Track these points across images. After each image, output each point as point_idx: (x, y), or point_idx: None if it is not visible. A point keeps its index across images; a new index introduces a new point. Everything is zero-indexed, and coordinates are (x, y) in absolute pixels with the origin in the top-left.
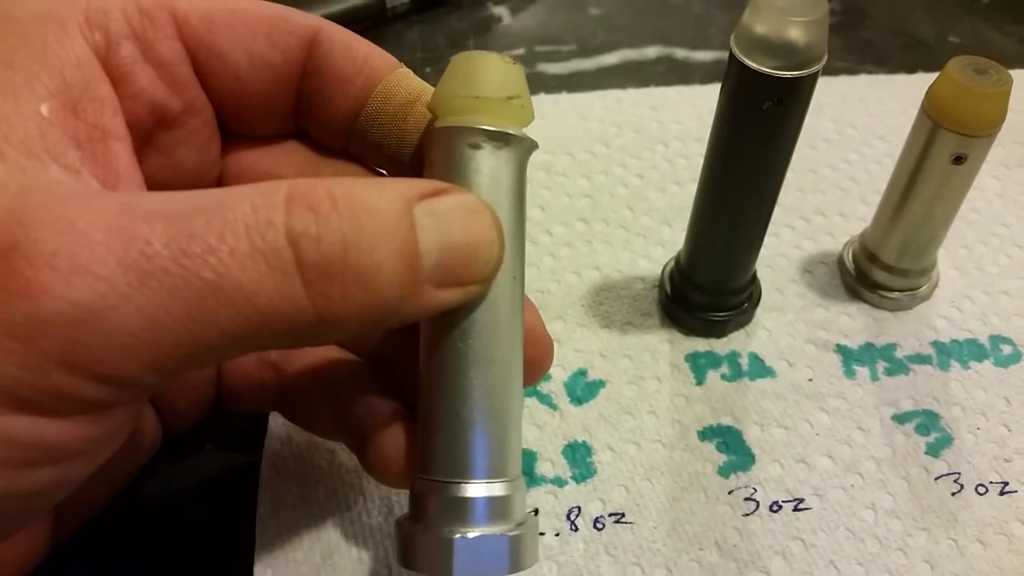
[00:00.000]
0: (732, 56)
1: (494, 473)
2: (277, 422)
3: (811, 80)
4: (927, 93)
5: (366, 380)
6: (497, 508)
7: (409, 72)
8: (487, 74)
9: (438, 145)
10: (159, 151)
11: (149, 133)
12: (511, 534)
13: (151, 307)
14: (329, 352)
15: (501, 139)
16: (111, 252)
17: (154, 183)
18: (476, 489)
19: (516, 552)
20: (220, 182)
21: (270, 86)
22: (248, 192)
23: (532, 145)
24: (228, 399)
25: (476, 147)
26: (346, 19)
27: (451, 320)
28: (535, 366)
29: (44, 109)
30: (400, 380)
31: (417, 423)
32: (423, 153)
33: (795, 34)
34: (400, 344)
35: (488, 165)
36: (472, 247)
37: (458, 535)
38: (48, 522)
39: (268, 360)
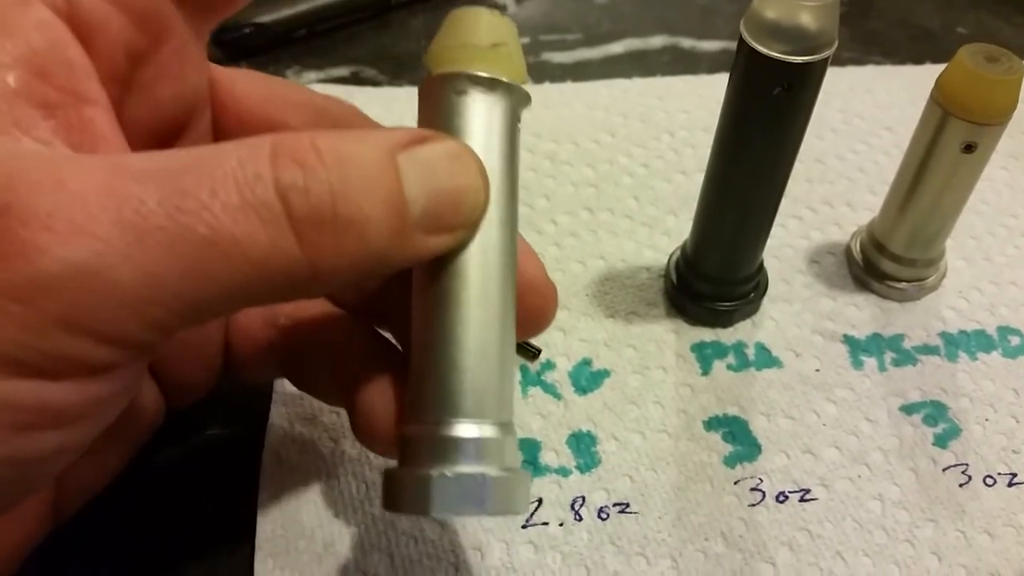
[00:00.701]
0: (742, 41)
1: (480, 413)
2: (279, 409)
3: (821, 65)
4: (937, 81)
5: (363, 342)
6: (482, 449)
7: None
8: (474, 25)
9: (427, 95)
10: (135, 91)
11: (125, 78)
12: (493, 474)
13: (149, 264)
14: (330, 314)
15: (485, 84)
16: (105, 211)
17: (136, 123)
18: (461, 428)
19: (499, 494)
20: (221, 120)
21: None
22: (232, 147)
23: (523, 95)
24: (235, 367)
25: (461, 92)
26: (351, 7)
27: (440, 263)
28: (538, 314)
29: (11, 79)
30: (398, 339)
31: (408, 374)
32: (418, 107)
33: (806, 19)
34: (398, 297)
35: (474, 110)
36: (457, 192)
37: (436, 472)
38: (48, 501)
39: (273, 324)
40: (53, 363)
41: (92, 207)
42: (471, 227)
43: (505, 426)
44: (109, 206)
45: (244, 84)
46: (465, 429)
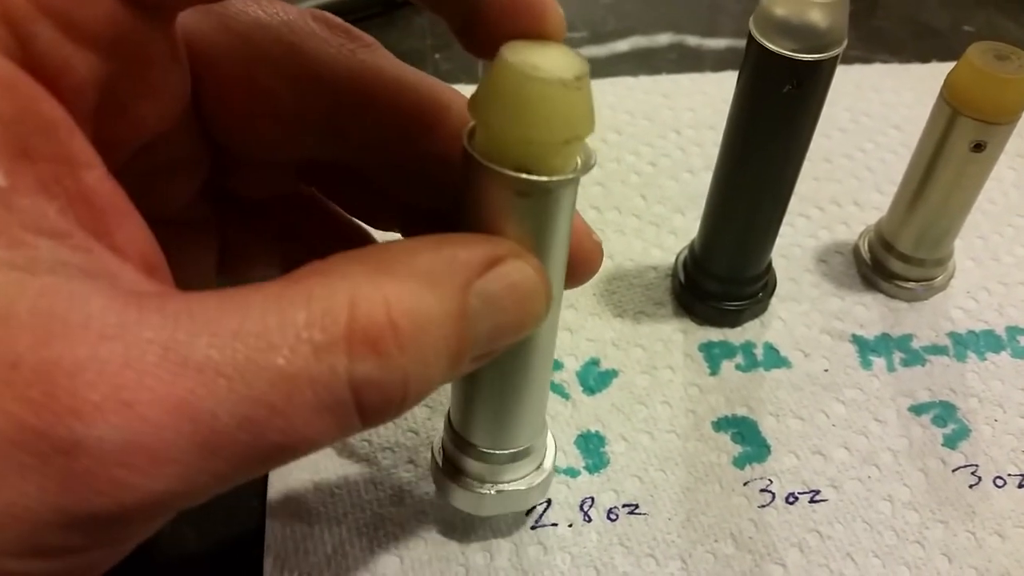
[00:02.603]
0: (751, 38)
1: (523, 441)
2: None
3: (831, 63)
4: (946, 79)
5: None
6: (521, 459)
7: None
8: (545, 109)
9: (481, 181)
10: (114, 116)
11: (102, 112)
12: (530, 486)
13: (220, 470)
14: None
15: (554, 186)
16: (182, 436)
17: (124, 145)
18: (506, 455)
19: (532, 497)
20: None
21: None
22: (305, 320)
23: (590, 163)
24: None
25: (526, 195)
26: (356, 5)
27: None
28: (585, 267)
29: (1, 178)
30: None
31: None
32: (460, 170)
33: (816, 16)
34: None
35: (537, 211)
36: (519, 325)
37: (488, 490)
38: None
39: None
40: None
41: (168, 432)
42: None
43: (541, 435)
44: (184, 429)
45: (222, 44)
46: (511, 456)
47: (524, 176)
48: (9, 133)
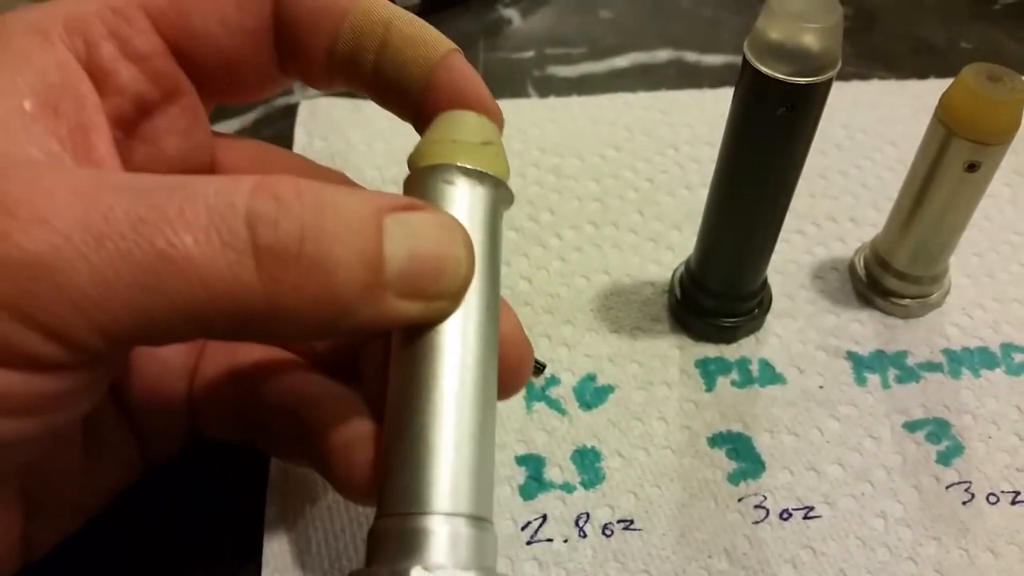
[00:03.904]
0: (745, 61)
1: (458, 507)
2: None
3: (825, 86)
4: (940, 100)
5: (337, 399)
6: (461, 547)
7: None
8: (463, 123)
9: (416, 185)
10: (143, 141)
11: (133, 124)
12: None
13: (103, 268)
14: (302, 374)
15: (475, 177)
16: (71, 209)
17: (140, 171)
18: (436, 521)
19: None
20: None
21: (249, 47)
22: (216, 178)
23: (508, 194)
24: (204, 422)
25: (450, 183)
26: None
27: (420, 344)
28: (513, 371)
29: (27, 104)
30: (371, 404)
31: (382, 455)
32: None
33: (809, 40)
34: (373, 363)
35: (462, 201)
36: (440, 259)
37: (415, 569)
38: (17, 535)
39: (239, 384)
40: None
41: (60, 204)
42: (450, 299)
43: (483, 522)
44: (77, 205)
45: (239, 150)
46: (440, 522)
47: (450, 163)
48: (49, 92)
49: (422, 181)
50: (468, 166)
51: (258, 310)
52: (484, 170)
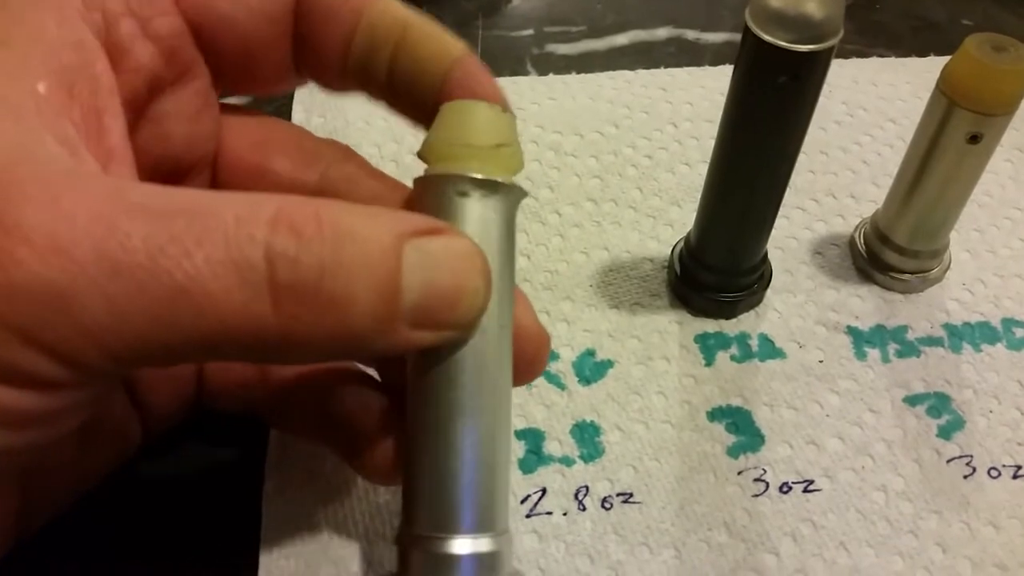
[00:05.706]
0: (747, 30)
1: (480, 527)
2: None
3: (827, 54)
4: (943, 71)
5: (355, 381)
6: (484, 564)
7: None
8: (476, 122)
9: (427, 192)
10: (151, 121)
11: (143, 104)
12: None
13: (119, 299)
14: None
15: (489, 187)
16: (89, 237)
17: (144, 153)
18: (461, 545)
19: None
20: (215, 164)
21: (270, 37)
22: (235, 201)
23: (521, 193)
24: (210, 398)
25: (464, 195)
26: None
27: (437, 369)
28: (530, 362)
29: (41, 87)
30: (388, 382)
31: (403, 473)
32: (413, 201)
33: (811, 7)
34: (394, 367)
35: (476, 213)
36: (456, 291)
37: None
38: (14, 510)
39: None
40: (3, 370)
41: (78, 231)
42: (462, 329)
43: (502, 535)
44: (95, 233)
45: (237, 126)
46: (465, 545)
47: (464, 173)
48: (64, 72)
49: (435, 190)
50: (482, 177)
51: (271, 341)
52: (498, 179)
